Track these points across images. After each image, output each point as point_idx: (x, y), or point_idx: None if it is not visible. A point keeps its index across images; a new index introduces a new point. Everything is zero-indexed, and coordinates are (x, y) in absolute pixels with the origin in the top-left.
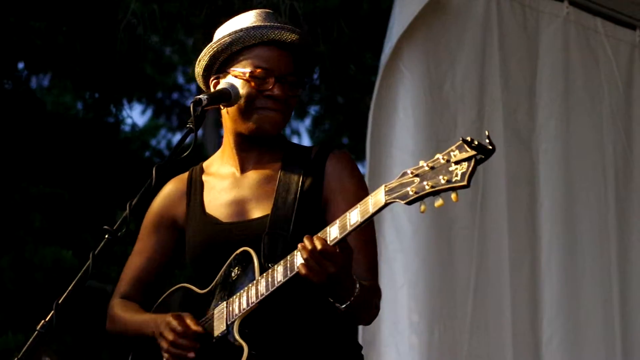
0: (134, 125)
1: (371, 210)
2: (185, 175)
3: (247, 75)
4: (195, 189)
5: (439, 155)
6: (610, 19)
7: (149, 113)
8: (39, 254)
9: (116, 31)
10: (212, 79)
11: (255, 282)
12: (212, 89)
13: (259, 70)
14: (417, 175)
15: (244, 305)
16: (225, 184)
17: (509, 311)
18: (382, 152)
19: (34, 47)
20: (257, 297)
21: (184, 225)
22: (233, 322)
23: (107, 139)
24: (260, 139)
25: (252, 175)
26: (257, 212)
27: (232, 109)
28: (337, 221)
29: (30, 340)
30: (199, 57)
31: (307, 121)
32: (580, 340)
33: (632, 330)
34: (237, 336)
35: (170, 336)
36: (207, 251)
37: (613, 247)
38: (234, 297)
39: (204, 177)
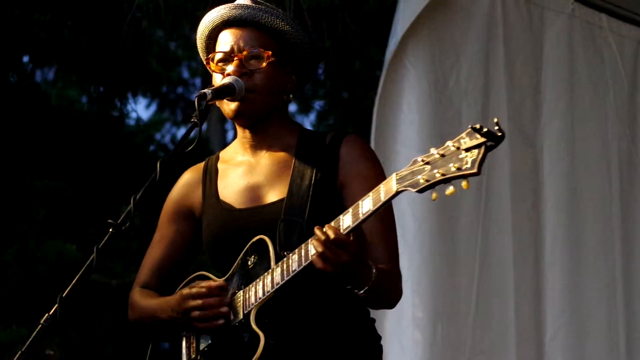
0: (138, 119)
1: (383, 198)
2: (202, 163)
3: (208, 62)
4: (210, 177)
5: (449, 143)
6: (615, 15)
7: (153, 107)
8: (43, 248)
9: (121, 25)
10: None
11: (271, 270)
12: None
13: (214, 54)
14: (427, 163)
15: (260, 294)
16: (240, 170)
17: (513, 307)
18: (386, 147)
19: (38, 41)
20: (272, 286)
21: (200, 213)
22: (250, 311)
23: (111, 133)
24: (247, 122)
25: (266, 161)
26: (271, 197)
27: (218, 101)
28: (350, 210)
29: (34, 333)
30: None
31: (312, 116)
32: (583, 336)
33: (635, 326)
34: (253, 325)
35: (197, 302)
36: (222, 238)
37: (617, 244)
38: (250, 285)
39: (219, 165)
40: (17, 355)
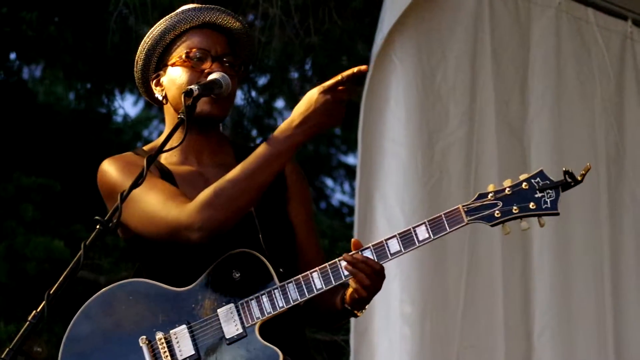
0: (125, 116)
1: (448, 228)
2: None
3: (184, 56)
4: (165, 175)
5: (520, 181)
6: (602, 10)
7: (140, 104)
8: (31, 245)
9: (108, 22)
10: (152, 77)
11: (280, 286)
12: (154, 89)
13: (194, 50)
14: (498, 199)
15: (268, 309)
16: (191, 178)
17: (501, 303)
18: (373, 142)
19: (25, 38)
20: (286, 303)
21: None
22: (253, 325)
23: (99, 130)
24: (208, 122)
25: (214, 172)
26: None
27: (175, 99)
28: (397, 235)
29: (22, 330)
30: (135, 59)
31: None
32: (572, 332)
33: (624, 322)
34: (261, 339)
35: None
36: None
37: (605, 239)
38: (248, 299)
39: (163, 162)
40: (5, 352)
